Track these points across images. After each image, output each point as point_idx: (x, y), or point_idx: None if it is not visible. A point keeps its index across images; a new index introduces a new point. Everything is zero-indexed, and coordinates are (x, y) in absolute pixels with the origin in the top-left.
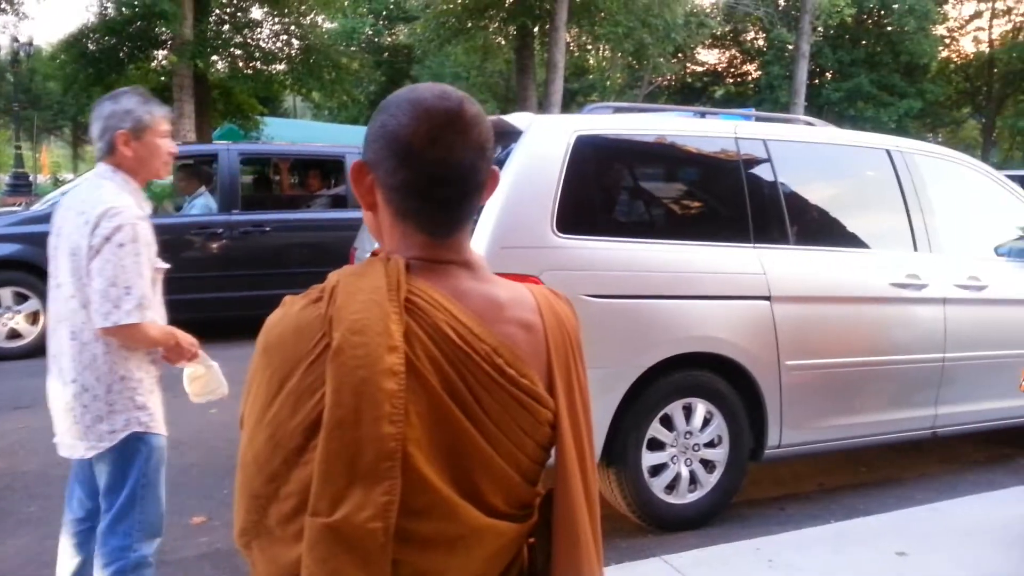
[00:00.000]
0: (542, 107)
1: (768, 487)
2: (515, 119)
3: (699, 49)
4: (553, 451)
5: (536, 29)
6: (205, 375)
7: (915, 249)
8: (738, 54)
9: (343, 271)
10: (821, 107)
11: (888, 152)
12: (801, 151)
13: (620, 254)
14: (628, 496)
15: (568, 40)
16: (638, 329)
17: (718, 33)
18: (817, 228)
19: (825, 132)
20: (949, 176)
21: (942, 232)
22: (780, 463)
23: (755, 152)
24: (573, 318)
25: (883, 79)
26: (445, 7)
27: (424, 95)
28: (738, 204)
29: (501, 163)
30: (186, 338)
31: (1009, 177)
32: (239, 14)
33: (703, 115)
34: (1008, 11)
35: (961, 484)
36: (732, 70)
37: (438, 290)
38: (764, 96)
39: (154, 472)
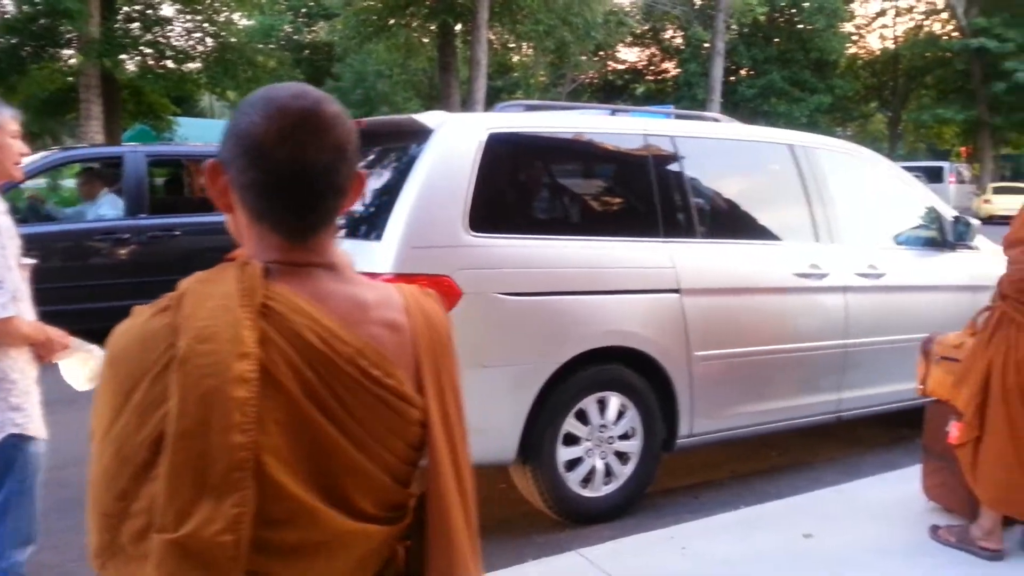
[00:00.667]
0: (466, 105)
1: (682, 476)
2: (426, 118)
3: (620, 47)
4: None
5: (458, 27)
6: (89, 358)
7: (817, 240)
8: (657, 52)
9: (193, 278)
10: (737, 103)
11: (790, 147)
12: (708, 147)
13: (533, 251)
14: (544, 492)
15: (491, 38)
16: (552, 326)
17: (638, 32)
18: (724, 222)
19: (731, 128)
20: (848, 170)
21: (842, 223)
22: (693, 452)
23: (664, 149)
24: (443, 316)
25: (795, 75)
26: (366, 4)
27: (279, 94)
28: (648, 200)
29: (412, 162)
30: (55, 331)
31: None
32: (149, 11)
33: (614, 112)
34: (910, 9)
35: (864, 465)
36: (652, 68)
37: (298, 294)
38: (683, 93)
39: (30, 477)
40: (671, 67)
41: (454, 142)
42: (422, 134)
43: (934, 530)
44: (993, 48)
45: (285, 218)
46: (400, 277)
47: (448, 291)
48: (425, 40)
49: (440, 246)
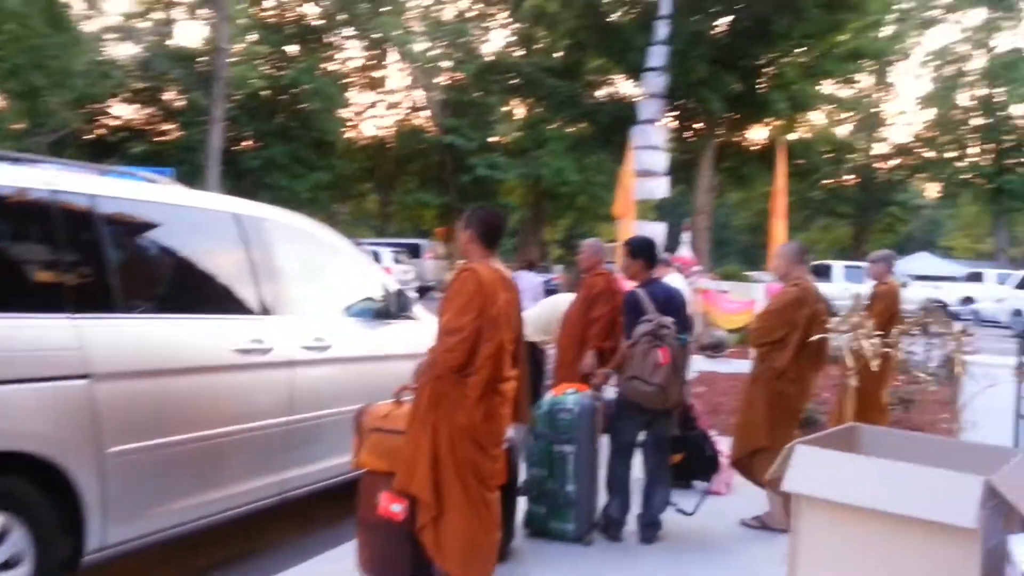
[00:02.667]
0: None
1: None
2: None
3: (114, 102)
4: None
5: None
6: None
7: (262, 313)
8: (158, 112)
9: None
10: (240, 174)
11: (235, 216)
12: (139, 210)
13: None
14: None
15: None
16: None
17: (136, 88)
18: (153, 294)
19: (169, 191)
20: (298, 243)
21: (290, 296)
22: (113, 565)
23: (77, 207)
24: None
25: (297, 151)
26: None
27: None
28: (53, 267)
29: None
30: None
31: (400, 244)
32: None
33: (104, 173)
34: (398, 104)
35: (313, 544)
36: (152, 128)
37: None
38: (184, 157)
39: None
40: (173, 129)
41: None
42: None
43: None
44: (461, 145)
45: None
46: None
47: None
48: None
49: None
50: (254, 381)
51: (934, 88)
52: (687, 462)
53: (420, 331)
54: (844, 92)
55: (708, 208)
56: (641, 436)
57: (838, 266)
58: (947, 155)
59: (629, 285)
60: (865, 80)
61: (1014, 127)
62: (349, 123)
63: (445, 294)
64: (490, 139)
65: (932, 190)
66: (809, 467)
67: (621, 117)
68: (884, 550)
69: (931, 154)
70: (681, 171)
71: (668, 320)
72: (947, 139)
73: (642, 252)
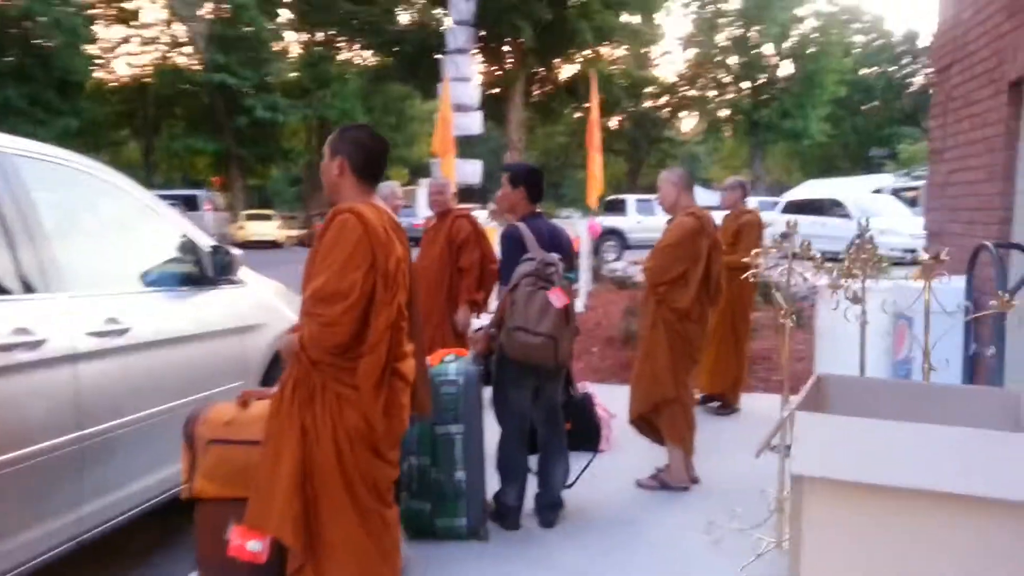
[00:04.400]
0: None
1: None
2: None
3: None
4: None
5: None
6: None
7: (26, 291)
8: None
9: None
10: None
11: None
12: None
13: None
14: None
15: None
16: None
17: None
18: None
19: None
20: (71, 186)
21: (65, 263)
22: None
23: None
24: None
25: (36, 94)
26: None
27: None
28: None
29: None
30: None
31: (171, 196)
32: None
33: None
34: (155, 39)
35: None
36: None
37: None
38: None
39: None
40: None
41: None
42: None
43: None
44: (233, 84)
45: None
46: None
47: None
48: None
49: None
50: (21, 390)
51: (695, 28)
52: (574, 431)
53: (248, 298)
54: (643, 26)
55: (521, 144)
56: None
57: (631, 200)
58: (708, 93)
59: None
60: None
61: (767, 64)
62: (98, 62)
63: (315, 248)
64: (268, 78)
65: (694, 125)
66: (824, 442)
67: (427, 46)
68: (925, 536)
69: (693, 93)
70: (490, 106)
71: (553, 257)
72: (708, 78)
73: (525, 180)
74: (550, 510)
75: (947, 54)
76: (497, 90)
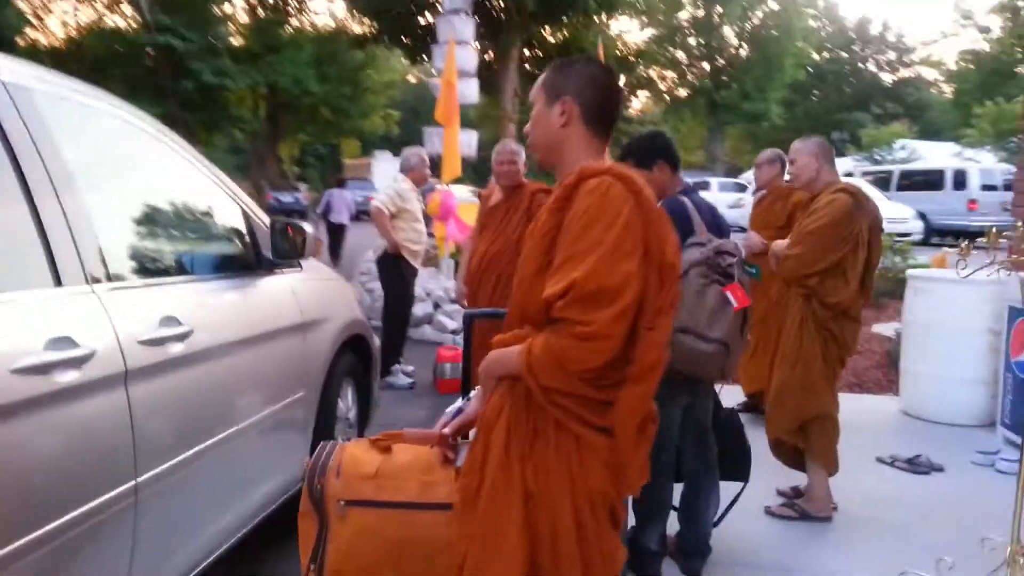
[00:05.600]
0: None
1: None
2: None
3: None
4: None
5: None
6: None
7: (60, 282)
8: None
9: None
10: None
11: None
12: None
13: None
14: None
15: None
16: None
17: None
18: None
19: None
20: (108, 138)
21: (110, 241)
22: None
23: None
24: None
25: None
26: None
27: None
28: None
29: None
30: None
31: None
32: None
33: None
34: None
35: None
36: None
37: None
38: None
39: None
40: None
41: None
42: None
43: None
44: (179, 47)
45: None
46: None
47: None
48: None
49: None
50: (61, 430)
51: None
52: (721, 456)
53: (309, 285)
54: None
55: (515, 115)
56: None
57: None
58: (667, 73)
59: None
60: None
61: (726, 46)
62: (33, 22)
63: (545, 222)
64: (216, 41)
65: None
66: None
67: (417, 5)
68: None
69: (653, 72)
70: (481, 74)
71: (732, 243)
72: (668, 56)
73: (660, 153)
74: (698, 555)
75: None
76: (489, 56)
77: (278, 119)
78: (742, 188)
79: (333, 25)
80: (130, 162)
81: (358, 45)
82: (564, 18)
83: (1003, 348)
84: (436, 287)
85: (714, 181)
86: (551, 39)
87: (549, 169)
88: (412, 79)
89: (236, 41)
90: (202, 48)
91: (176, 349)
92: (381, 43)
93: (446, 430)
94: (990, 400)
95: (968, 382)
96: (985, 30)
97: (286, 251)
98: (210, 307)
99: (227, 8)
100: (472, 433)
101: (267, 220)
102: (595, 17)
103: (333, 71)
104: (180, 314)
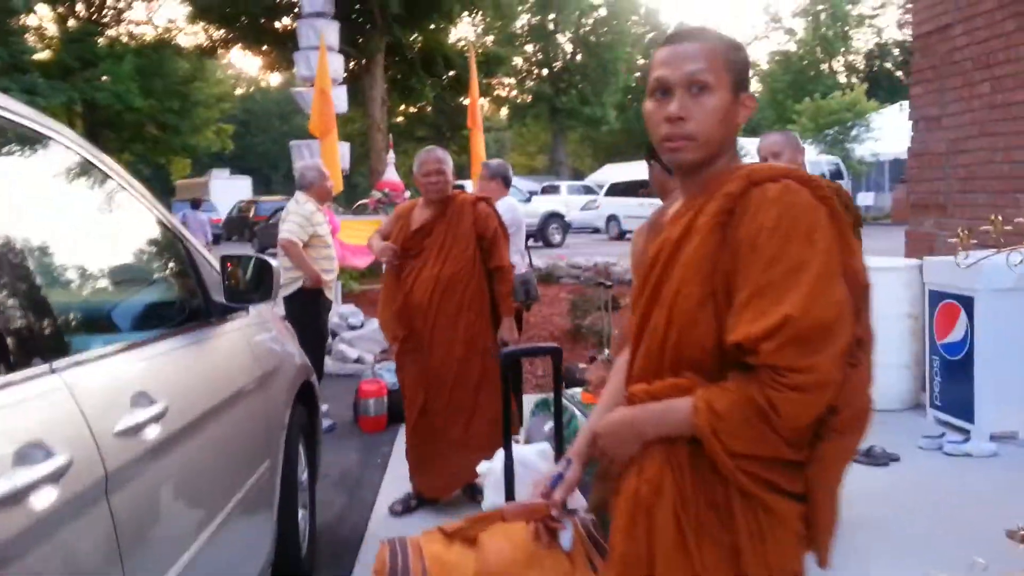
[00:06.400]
0: None
1: None
2: None
3: None
4: None
5: None
6: None
7: (11, 366)
8: None
9: None
10: None
11: None
12: None
13: None
14: None
15: None
16: None
17: None
18: None
19: None
20: (39, 162)
21: (57, 297)
22: None
23: None
24: None
25: None
26: None
27: None
28: None
29: None
30: None
31: None
32: None
33: None
34: None
35: None
36: None
37: None
38: None
39: None
40: None
41: None
42: None
43: None
44: None
45: None
46: None
47: None
48: None
49: None
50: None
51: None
52: None
53: (261, 331)
54: None
55: (384, 124)
56: None
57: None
58: (506, 80)
59: None
60: None
61: (562, 52)
62: None
63: (727, 238)
64: (28, 56)
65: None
66: None
67: (276, 7)
68: None
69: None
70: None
71: None
72: (508, 63)
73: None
74: None
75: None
76: (353, 64)
77: (98, 138)
78: (590, 191)
79: (154, 33)
80: (75, 196)
81: (202, 55)
82: (429, 22)
83: (925, 332)
84: (331, 314)
85: (563, 185)
86: (413, 45)
87: (694, 168)
88: (240, 90)
89: (45, 55)
90: (6, 63)
91: (153, 434)
92: (230, 50)
93: (557, 497)
94: (914, 383)
95: (893, 367)
96: (791, 32)
97: (241, 294)
98: (173, 372)
99: (31, 20)
100: (572, 501)
101: (211, 257)
102: (455, 21)
103: (158, 84)
104: (150, 388)
